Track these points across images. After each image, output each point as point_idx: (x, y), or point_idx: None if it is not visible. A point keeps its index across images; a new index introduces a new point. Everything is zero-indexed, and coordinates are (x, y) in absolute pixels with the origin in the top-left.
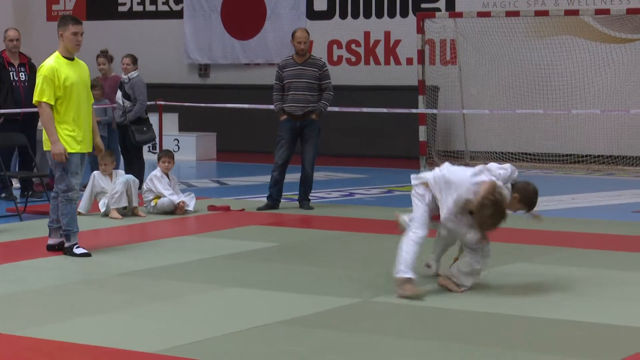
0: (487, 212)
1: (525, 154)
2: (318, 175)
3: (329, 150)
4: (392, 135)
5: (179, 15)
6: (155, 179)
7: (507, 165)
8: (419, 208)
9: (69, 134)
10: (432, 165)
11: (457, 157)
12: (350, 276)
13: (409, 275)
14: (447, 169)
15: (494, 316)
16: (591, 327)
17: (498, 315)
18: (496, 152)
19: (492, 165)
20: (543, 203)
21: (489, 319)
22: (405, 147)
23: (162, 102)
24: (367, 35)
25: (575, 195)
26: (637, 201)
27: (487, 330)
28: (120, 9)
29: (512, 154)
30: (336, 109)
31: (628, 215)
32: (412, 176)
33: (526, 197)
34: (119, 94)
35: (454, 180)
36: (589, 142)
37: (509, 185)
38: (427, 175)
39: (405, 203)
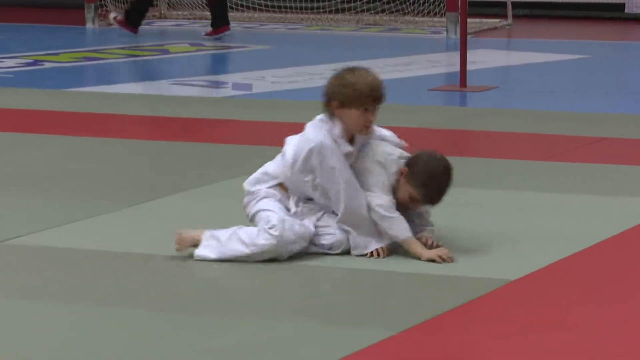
0: None
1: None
2: None
3: None
4: None
5: None
6: None
7: None
8: None
9: None
10: (104, 17)
11: None
12: None
13: None
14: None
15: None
16: None
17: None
18: None
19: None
20: (282, 77)
21: None
22: None
23: None
24: None
25: (340, 64)
26: (435, 72)
27: None
28: None
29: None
30: None
31: (424, 95)
32: None
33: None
34: None
35: None
36: None
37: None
38: None
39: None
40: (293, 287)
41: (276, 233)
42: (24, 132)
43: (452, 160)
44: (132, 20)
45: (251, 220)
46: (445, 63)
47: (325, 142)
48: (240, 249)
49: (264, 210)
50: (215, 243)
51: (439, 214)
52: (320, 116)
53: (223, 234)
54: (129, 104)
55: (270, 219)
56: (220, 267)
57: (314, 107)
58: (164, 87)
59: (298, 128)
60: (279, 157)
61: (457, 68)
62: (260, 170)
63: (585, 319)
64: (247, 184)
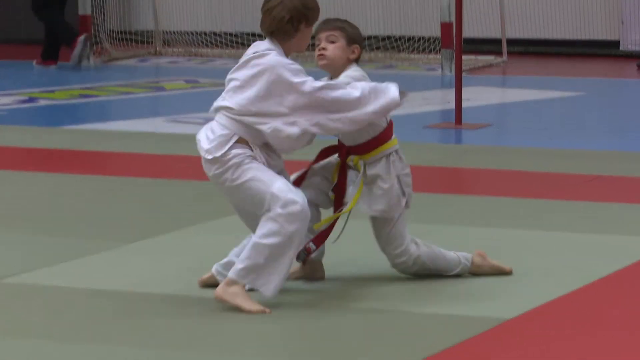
0: None
1: (251, 34)
2: None
3: None
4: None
5: None
6: None
7: None
8: None
9: None
10: (100, 54)
11: (142, 42)
12: None
13: None
14: None
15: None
16: None
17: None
18: (204, 33)
19: None
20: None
21: None
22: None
23: None
24: None
25: None
26: (430, 109)
27: None
28: None
29: (230, 35)
30: None
31: (419, 132)
32: None
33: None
34: None
35: None
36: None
37: None
38: None
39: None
40: (291, 332)
41: (298, 209)
42: (17, 170)
43: (448, 198)
44: (47, 55)
45: (234, 190)
46: (441, 100)
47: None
48: (285, 256)
49: (255, 181)
50: (256, 273)
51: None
52: (263, 45)
53: (249, 261)
54: (124, 141)
55: (279, 196)
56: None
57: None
58: (159, 125)
59: (298, 166)
60: (224, 102)
61: (453, 105)
62: (209, 128)
63: (582, 356)
64: (208, 151)
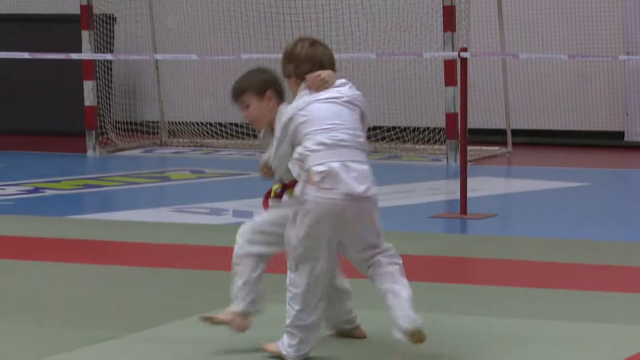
0: None
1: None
2: None
3: None
4: (38, 98)
5: None
6: None
7: None
8: None
9: None
10: (105, 144)
11: (147, 132)
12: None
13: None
14: None
15: None
16: None
17: None
18: (209, 124)
19: None
20: None
21: None
22: (61, 117)
23: None
24: None
25: None
26: (435, 199)
27: None
28: None
29: (235, 125)
30: None
31: (424, 222)
32: None
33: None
34: None
35: None
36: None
37: None
38: None
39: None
40: None
41: None
42: (22, 259)
43: (454, 287)
44: None
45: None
46: (446, 190)
47: None
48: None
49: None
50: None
51: (436, 343)
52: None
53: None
54: (129, 231)
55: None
56: None
57: None
58: (164, 214)
59: None
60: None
61: (458, 195)
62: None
63: None
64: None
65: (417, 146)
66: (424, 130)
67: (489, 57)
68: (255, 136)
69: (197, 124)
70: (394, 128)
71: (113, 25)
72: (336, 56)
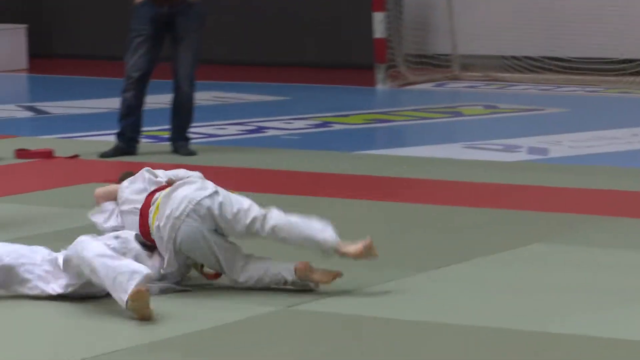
0: None
1: (553, 59)
2: (202, 97)
3: (217, 55)
4: (322, 29)
5: None
6: None
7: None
8: None
9: None
10: (395, 78)
11: (439, 65)
12: None
13: None
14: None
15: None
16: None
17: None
18: (503, 57)
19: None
20: (580, 141)
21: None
22: (348, 48)
23: None
24: None
25: (638, 129)
26: None
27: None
28: None
29: (531, 59)
30: None
31: None
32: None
33: None
34: None
35: None
36: None
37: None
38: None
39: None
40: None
41: None
42: (309, 195)
43: None
44: None
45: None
46: None
47: None
48: None
49: None
50: None
51: None
52: None
53: None
54: (420, 168)
55: None
56: None
57: (618, 173)
58: (455, 151)
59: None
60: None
61: None
62: None
63: None
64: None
65: None
66: None
67: None
68: (551, 70)
69: (491, 57)
70: None
71: None
72: None
